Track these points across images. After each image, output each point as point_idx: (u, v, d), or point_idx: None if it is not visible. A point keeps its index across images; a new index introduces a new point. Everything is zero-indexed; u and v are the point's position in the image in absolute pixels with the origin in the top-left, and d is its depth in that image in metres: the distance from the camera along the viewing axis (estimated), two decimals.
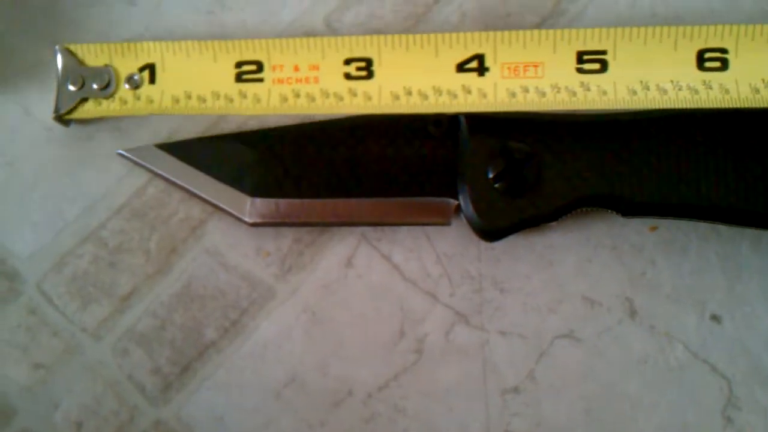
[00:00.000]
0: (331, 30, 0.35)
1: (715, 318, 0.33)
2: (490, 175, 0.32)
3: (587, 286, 0.34)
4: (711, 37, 0.31)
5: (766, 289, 0.33)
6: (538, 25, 0.35)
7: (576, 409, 0.33)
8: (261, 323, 0.34)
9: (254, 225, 0.33)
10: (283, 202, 0.33)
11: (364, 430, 0.33)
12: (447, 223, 0.33)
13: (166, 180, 0.34)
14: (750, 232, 0.33)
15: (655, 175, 0.32)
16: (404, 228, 0.34)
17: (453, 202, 0.33)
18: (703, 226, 0.33)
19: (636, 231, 0.34)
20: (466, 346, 0.33)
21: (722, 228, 0.33)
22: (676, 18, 0.35)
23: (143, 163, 0.34)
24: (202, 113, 0.33)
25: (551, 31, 0.32)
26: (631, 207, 0.32)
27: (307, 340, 0.33)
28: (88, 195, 0.35)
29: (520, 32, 0.32)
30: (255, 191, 0.33)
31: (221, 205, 0.33)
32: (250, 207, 0.33)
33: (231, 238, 0.34)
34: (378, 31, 0.35)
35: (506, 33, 0.32)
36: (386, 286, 0.34)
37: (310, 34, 0.35)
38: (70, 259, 0.34)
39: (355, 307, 0.34)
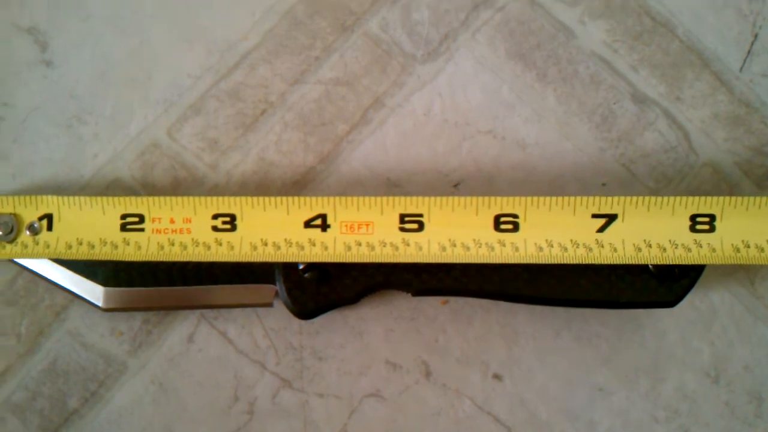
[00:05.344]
0: (174, 139, 0.41)
1: (496, 376, 0.40)
2: (300, 267, 0.38)
3: (390, 352, 0.40)
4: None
5: (538, 351, 0.40)
6: (348, 132, 0.41)
7: None
8: (116, 393, 0.40)
9: (107, 310, 0.39)
10: (131, 291, 0.39)
11: None
12: (270, 305, 0.39)
13: (33, 273, 0.40)
14: (525, 305, 0.40)
15: (437, 264, 0.38)
16: (237, 309, 0.40)
17: (273, 287, 0.39)
18: (486, 301, 0.40)
19: (430, 304, 0.41)
20: (290, 407, 0.40)
21: (502, 302, 0.40)
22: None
23: (13, 259, 0.40)
24: (90, 258, 0.38)
25: (379, 198, 0.37)
26: (417, 290, 0.38)
27: (155, 406, 0.40)
28: None
29: (359, 198, 0.37)
30: (107, 282, 0.39)
31: (79, 294, 0.39)
32: (103, 295, 0.39)
33: (89, 321, 0.40)
34: (214, 141, 0.41)
35: (345, 198, 0.37)
36: (222, 357, 0.40)
37: (155, 144, 0.41)
38: None
39: (196, 377, 0.40)
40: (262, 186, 0.41)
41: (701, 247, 0.37)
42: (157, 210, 0.38)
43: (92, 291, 0.39)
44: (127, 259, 0.38)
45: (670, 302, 0.38)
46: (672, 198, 0.37)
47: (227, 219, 0.38)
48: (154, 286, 0.39)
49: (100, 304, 0.39)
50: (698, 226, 0.37)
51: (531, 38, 0.42)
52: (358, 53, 0.42)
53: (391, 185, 0.41)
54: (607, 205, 0.37)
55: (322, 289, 0.38)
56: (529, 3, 0.42)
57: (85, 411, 0.40)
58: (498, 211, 0.37)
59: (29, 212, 0.38)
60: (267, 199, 0.38)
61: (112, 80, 0.41)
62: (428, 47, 0.42)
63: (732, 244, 0.37)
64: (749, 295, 0.41)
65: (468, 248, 0.37)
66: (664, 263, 0.37)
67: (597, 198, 0.37)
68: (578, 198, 0.37)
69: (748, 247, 0.37)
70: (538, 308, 0.40)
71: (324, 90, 0.42)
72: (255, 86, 0.42)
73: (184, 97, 0.41)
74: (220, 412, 0.40)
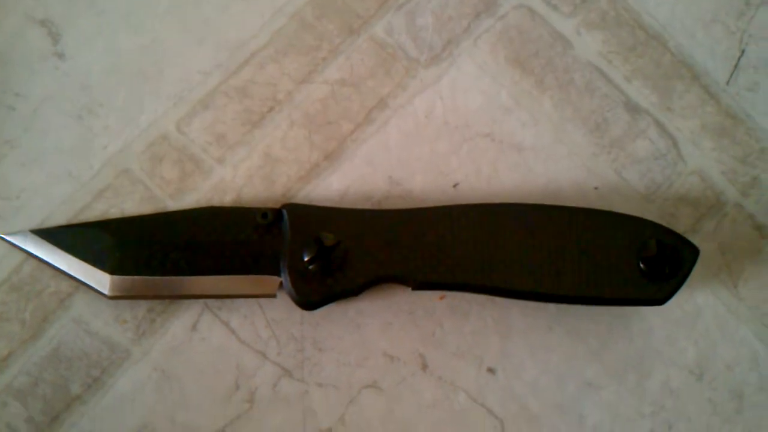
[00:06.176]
0: (182, 133, 0.42)
1: (490, 370, 0.42)
2: (305, 259, 0.39)
3: (388, 344, 0.41)
4: None
5: (531, 346, 0.42)
6: (352, 131, 0.43)
7: None
8: (118, 380, 0.40)
9: (113, 298, 0.40)
10: (137, 279, 0.40)
11: None
12: (273, 296, 0.40)
13: (39, 260, 0.40)
14: (519, 301, 0.41)
15: (438, 259, 0.39)
16: (240, 299, 0.41)
17: (277, 278, 0.40)
18: (482, 296, 0.41)
19: (428, 299, 0.42)
20: (290, 396, 0.41)
21: (497, 298, 0.41)
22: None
23: (20, 245, 0.41)
24: None
25: None
26: (417, 284, 0.40)
27: (158, 393, 0.40)
28: None
29: None
30: (114, 270, 0.40)
31: (85, 282, 0.40)
32: (110, 283, 0.40)
33: (94, 309, 0.41)
34: (222, 135, 0.42)
35: None
36: (225, 347, 0.41)
37: (164, 137, 0.42)
38: None
39: (198, 365, 0.41)
40: (268, 180, 0.42)
41: None
42: None
43: (98, 279, 0.40)
44: None
45: (660, 300, 0.39)
46: None
47: None
48: (161, 274, 0.40)
49: (106, 291, 0.40)
50: None
51: (530, 46, 0.44)
52: (364, 56, 0.43)
53: (392, 183, 0.42)
54: None
55: (326, 281, 0.39)
56: (528, 13, 0.44)
57: (87, 397, 0.40)
58: None
59: None
60: None
61: (123, 74, 0.42)
62: (431, 52, 0.44)
63: None
64: (732, 297, 0.43)
65: None
66: None
67: None
68: None
69: None
70: (532, 304, 0.42)
71: (330, 90, 0.43)
72: (263, 84, 0.43)
73: (194, 92, 0.43)
74: (221, 400, 0.40)
